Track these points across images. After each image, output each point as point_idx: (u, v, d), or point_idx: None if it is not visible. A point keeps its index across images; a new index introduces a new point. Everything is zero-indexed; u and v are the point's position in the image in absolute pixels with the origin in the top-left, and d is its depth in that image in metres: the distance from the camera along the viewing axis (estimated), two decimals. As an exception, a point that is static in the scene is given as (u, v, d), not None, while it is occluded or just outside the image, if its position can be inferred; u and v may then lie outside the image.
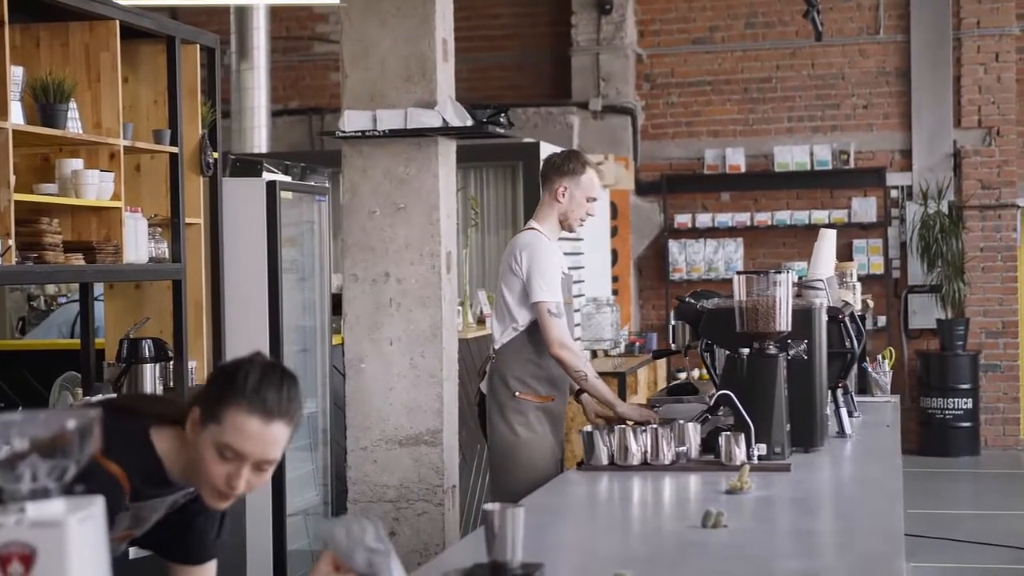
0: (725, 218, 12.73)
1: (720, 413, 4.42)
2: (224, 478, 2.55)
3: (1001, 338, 12.47)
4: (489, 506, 2.72)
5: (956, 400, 12.10)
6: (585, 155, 5.44)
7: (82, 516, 1.75)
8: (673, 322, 5.11)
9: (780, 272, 4.39)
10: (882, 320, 12.42)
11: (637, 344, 10.85)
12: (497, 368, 5.22)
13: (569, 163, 5.27)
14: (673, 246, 12.80)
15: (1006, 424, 12.48)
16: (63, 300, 8.42)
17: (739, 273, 4.43)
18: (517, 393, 5.15)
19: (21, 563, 1.70)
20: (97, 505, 1.79)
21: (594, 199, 5.30)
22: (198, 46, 5.82)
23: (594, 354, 10.03)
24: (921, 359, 12.34)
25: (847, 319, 5.04)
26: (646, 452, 4.22)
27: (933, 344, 12.42)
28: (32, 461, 1.75)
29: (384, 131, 5.61)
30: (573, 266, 9.90)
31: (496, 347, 5.24)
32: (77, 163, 4.97)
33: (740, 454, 4.15)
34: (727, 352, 4.52)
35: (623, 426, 4.30)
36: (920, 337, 12.56)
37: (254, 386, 2.53)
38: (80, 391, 5.37)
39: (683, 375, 12.11)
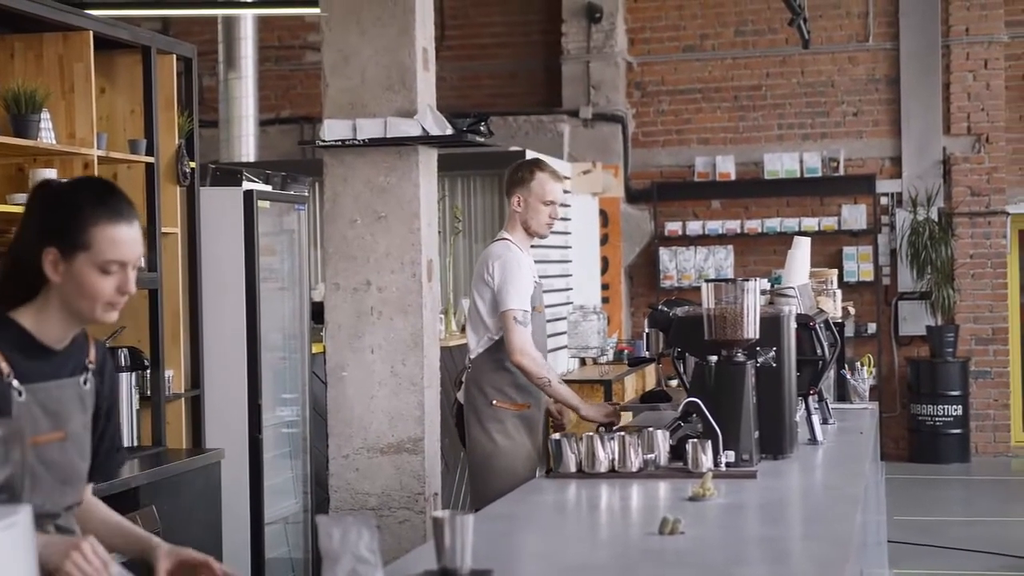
0: (715, 226, 12.75)
1: (691, 420, 4.42)
2: (113, 291, 2.67)
3: (991, 345, 12.48)
4: (438, 514, 2.74)
5: (946, 407, 12.10)
6: (540, 161, 5.54)
7: (7, 524, 1.77)
8: (647, 330, 5.13)
9: (748, 280, 4.40)
10: (872, 327, 12.43)
11: (626, 352, 10.85)
12: (473, 377, 5.31)
13: (518, 172, 5.41)
14: (664, 254, 12.82)
15: (996, 431, 12.48)
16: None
17: (708, 281, 4.45)
18: (494, 402, 5.25)
19: (-59, 571, 1.72)
20: (23, 513, 1.81)
21: (551, 202, 5.37)
22: (174, 56, 5.84)
23: (582, 362, 10.05)
24: (911, 366, 12.35)
25: (819, 326, 5.05)
26: (613, 459, 4.24)
27: (923, 351, 12.43)
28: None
29: (364, 140, 5.63)
30: (561, 273, 9.95)
31: (471, 356, 5.34)
32: (51, 173, 4.99)
33: (707, 461, 4.16)
34: (696, 359, 4.53)
35: (591, 433, 4.32)
36: (910, 344, 12.57)
37: (102, 202, 2.67)
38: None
39: (674, 383, 12.11)
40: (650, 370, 10.93)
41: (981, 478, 11.69)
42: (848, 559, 2.99)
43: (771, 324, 4.52)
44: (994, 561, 8.29)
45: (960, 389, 12.15)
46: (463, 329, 7.96)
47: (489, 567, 2.81)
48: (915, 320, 12.45)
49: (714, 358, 4.38)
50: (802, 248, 5.52)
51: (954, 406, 12.10)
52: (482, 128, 6.02)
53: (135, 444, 5.36)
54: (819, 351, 4.99)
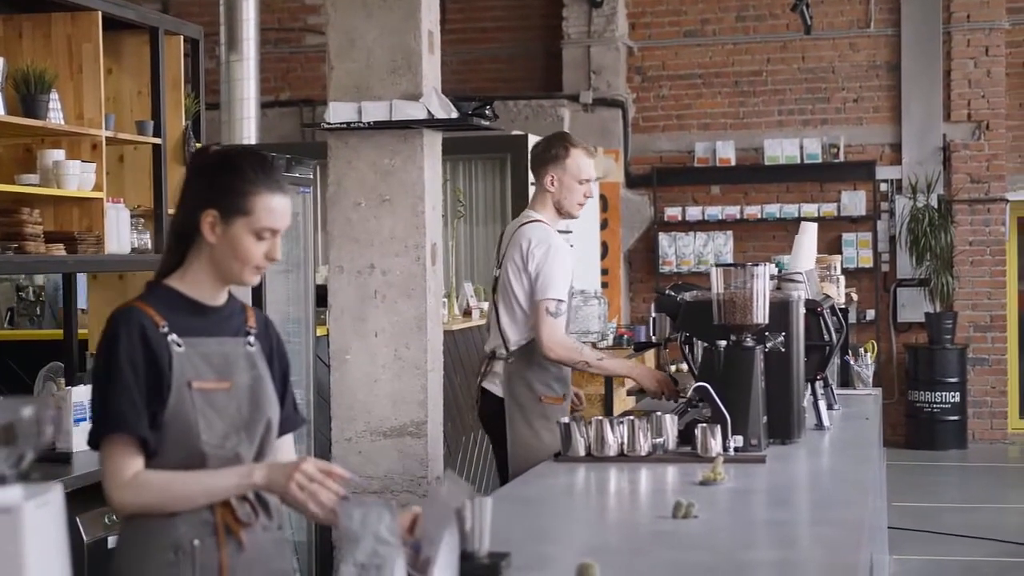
0: (715, 211, 12.75)
1: (699, 405, 4.43)
2: (262, 256, 2.82)
3: (989, 332, 12.50)
4: (457, 496, 2.75)
5: (944, 394, 12.13)
6: (571, 137, 5.27)
7: (40, 502, 1.77)
8: (654, 315, 5.11)
9: (758, 265, 4.40)
10: (871, 313, 12.44)
11: (626, 336, 10.86)
12: (517, 371, 5.05)
13: (551, 149, 5.14)
14: (663, 239, 12.82)
15: (993, 418, 12.51)
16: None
17: (717, 265, 4.44)
18: (542, 398, 5.02)
19: (-24, 549, 1.72)
20: (54, 493, 1.81)
21: (586, 180, 5.12)
22: (181, 37, 5.82)
23: (582, 346, 10.05)
24: (909, 352, 12.37)
25: (826, 312, 5.05)
26: (623, 444, 4.24)
27: (921, 337, 12.45)
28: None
29: (369, 123, 5.62)
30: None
31: (511, 348, 5.07)
32: (59, 154, 4.98)
33: (716, 446, 4.16)
34: (705, 344, 4.53)
35: (600, 417, 4.32)
36: (909, 330, 12.59)
37: (264, 172, 2.83)
38: (63, 381, 5.38)
39: (673, 367, 12.12)
40: (649, 355, 10.95)
41: (978, 465, 11.72)
42: (861, 544, 3.00)
43: (780, 309, 4.51)
44: (992, 548, 8.32)
45: (958, 376, 12.17)
46: (466, 313, 7.96)
47: (506, 550, 2.82)
48: (914, 307, 12.46)
49: (723, 343, 4.38)
50: (809, 234, 5.51)
51: (952, 393, 12.13)
52: (487, 112, 6.01)
53: (141, 426, 5.35)
54: (827, 336, 4.99)
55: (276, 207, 2.81)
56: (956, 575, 7.80)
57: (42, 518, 1.77)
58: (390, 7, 5.67)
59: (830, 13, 12.66)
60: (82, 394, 5.05)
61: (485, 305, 8.26)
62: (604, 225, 12.25)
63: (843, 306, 6.37)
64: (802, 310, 4.68)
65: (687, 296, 4.76)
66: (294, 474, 2.71)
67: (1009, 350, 12.61)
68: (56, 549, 1.80)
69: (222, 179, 2.82)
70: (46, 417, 1.80)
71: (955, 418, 12.16)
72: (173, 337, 2.78)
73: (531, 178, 9.67)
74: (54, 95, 4.91)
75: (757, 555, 3.02)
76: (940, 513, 9.48)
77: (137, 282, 5.67)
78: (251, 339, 2.92)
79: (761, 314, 4.37)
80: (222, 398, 2.83)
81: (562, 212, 5.16)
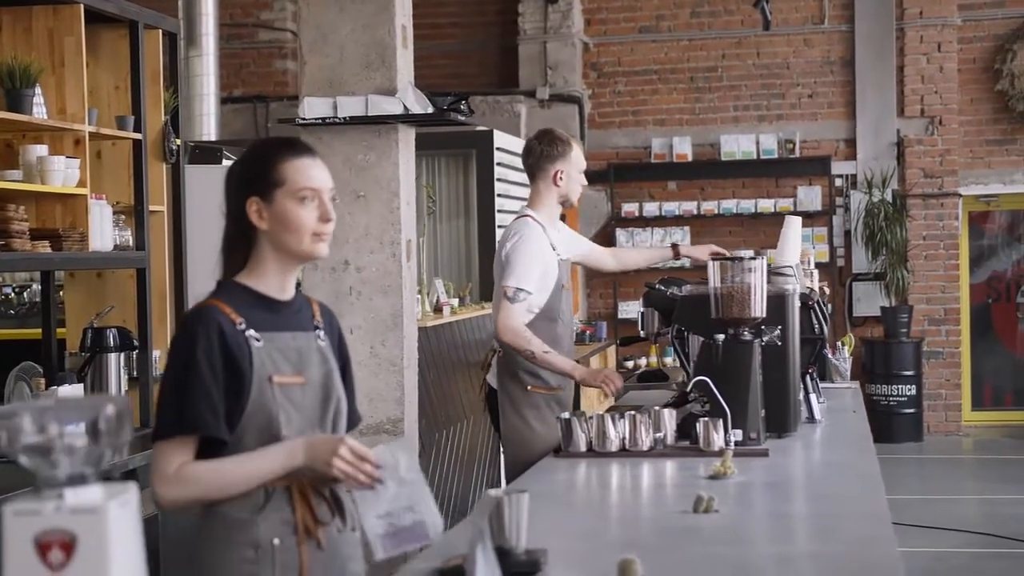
0: (672, 207, 12.78)
1: (692, 399, 4.42)
2: (315, 218, 2.82)
3: (943, 325, 12.62)
4: (494, 492, 2.72)
5: (900, 387, 12.23)
6: (560, 131, 5.37)
7: (121, 501, 1.73)
8: (642, 309, 5.09)
9: (755, 258, 4.40)
10: (827, 308, 12.51)
11: (587, 333, 10.88)
12: (506, 362, 5.11)
13: (556, 146, 5.22)
14: (621, 235, 12.83)
15: (948, 410, 12.64)
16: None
17: (714, 259, 4.44)
18: (529, 387, 5.08)
19: (62, 550, 1.68)
20: (131, 491, 1.77)
21: (583, 169, 5.32)
22: (160, 31, 5.74)
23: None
24: (865, 346, 12.47)
25: (815, 305, 5.07)
26: (624, 439, 4.23)
27: (877, 331, 12.55)
28: (69, 447, 1.73)
29: (345, 118, 5.58)
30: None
31: (502, 341, 5.08)
32: (42, 149, 4.90)
33: (719, 440, 4.16)
34: (702, 339, 4.52)
35: (600, 412, 4.30)
36: (864, 324, 12.69)
37: (282, 145, 2.88)
38: (43, 381, 5.28)
39: (630, 363, 12.15)
40: (611, 351, 10.97)
41: (934, 457, 11.84)
42: (890, 537, 3.00)
43: (776, 302, 4.52)
44: (952, 538, 8.41)
45: (913, 369, 12.28)
46: (437, 309, 7.93)
47: (540, 546, 2.79)
48: (869, 301, 12.56)
49: (721, 337, 4.37)
50: (794, 227, 5.53)
51: (908, 386, 12.23)
52: (462, 107, 5.99)
53: (126, 425, 5.27)
54: (817, 329, 5.01)
55: (307, 167, 2.82)
56: (929, 565, 7.85)
57: (123, 517, 1.74)
58: (363, 1, 5.63)
59: (785, 9, 12.72)
60: (68, 394, 4.98)
61: (456, 301, 8.24)
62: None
63: (822, 300, 6.39)
64: (797, 303, 4.69)
65: (682, 290, 4.75)
66: (337, 451, 2.69)
67: (963, 343, 12.75)
68: (135, 547, 1.77)
69: (251, 168, 2.85)
70: (127, 416, 1.76)
71: (911, 411, 12.28)
72: (251, 332, 2.78)
73: (498, 173, 9.67)
74: (38, 89, 4.82)
75: (786, 548, 3.01)
76: (900, 505, 9.56)
77: (117, 280, 5.58)
78: (321, 333, 2.91)
79: (759, 307, 4.37)
80: (298, 393, 2.82)
81: (565, 204, 5.30)
